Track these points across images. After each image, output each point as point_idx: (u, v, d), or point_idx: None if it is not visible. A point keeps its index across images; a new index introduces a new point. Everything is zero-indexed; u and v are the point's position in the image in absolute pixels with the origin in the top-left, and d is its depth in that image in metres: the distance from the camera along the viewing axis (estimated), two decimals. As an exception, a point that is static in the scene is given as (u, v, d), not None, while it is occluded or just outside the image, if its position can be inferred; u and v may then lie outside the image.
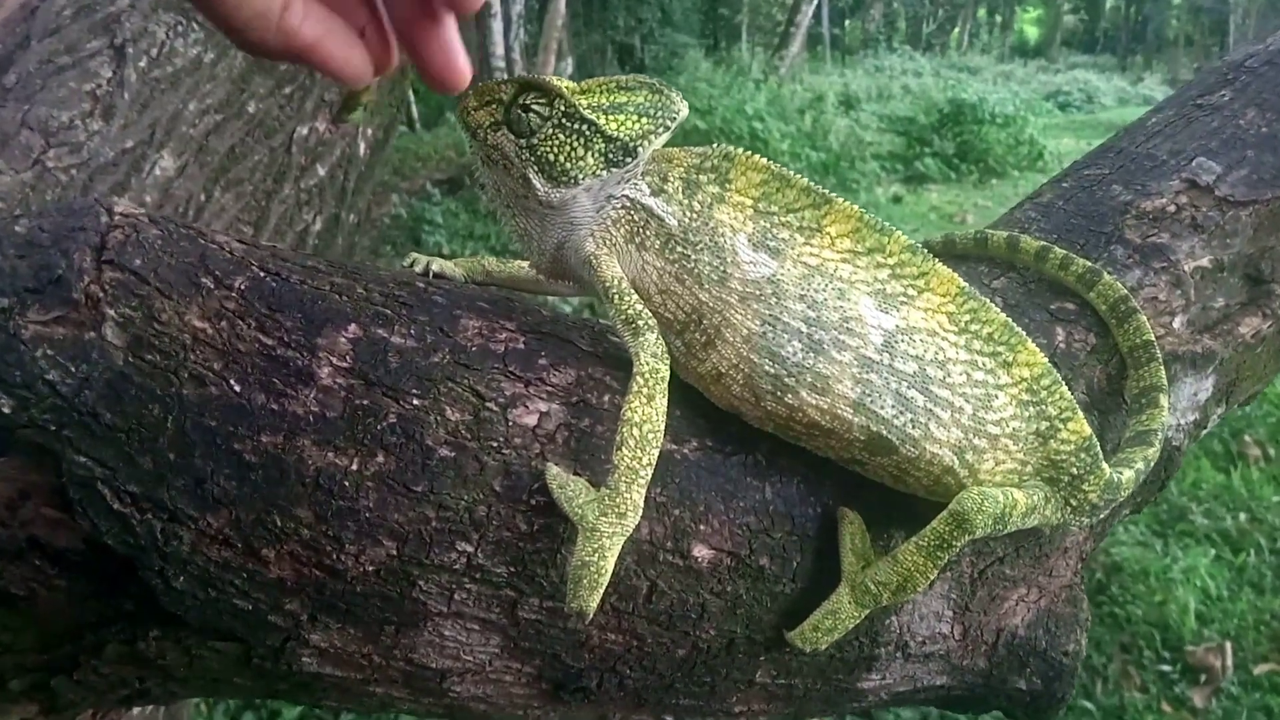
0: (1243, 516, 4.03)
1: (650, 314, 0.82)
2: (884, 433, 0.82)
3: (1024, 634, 0.99)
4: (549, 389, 0.84)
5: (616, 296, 0.82)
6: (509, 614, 0.81)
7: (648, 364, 0.78)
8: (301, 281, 0.83)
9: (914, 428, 0.82)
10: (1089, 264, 1.03)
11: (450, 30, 0.84)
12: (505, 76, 0.85)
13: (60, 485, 0.77)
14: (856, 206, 0.84)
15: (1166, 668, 3.32)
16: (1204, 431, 1.13)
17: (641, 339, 0.80)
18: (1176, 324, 1.07)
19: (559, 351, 0.87)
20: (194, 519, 0.77)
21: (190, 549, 0.77)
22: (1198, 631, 3.45)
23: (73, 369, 0.76)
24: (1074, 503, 0.87)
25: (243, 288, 0.81)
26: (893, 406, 0.82)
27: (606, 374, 0.86)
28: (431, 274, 0.97)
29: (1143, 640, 3.45)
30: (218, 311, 0.79)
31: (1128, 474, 0.90)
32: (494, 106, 0.83)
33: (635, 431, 0.76)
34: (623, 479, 0.75)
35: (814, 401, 0.81)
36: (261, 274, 0.83)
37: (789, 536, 0.86)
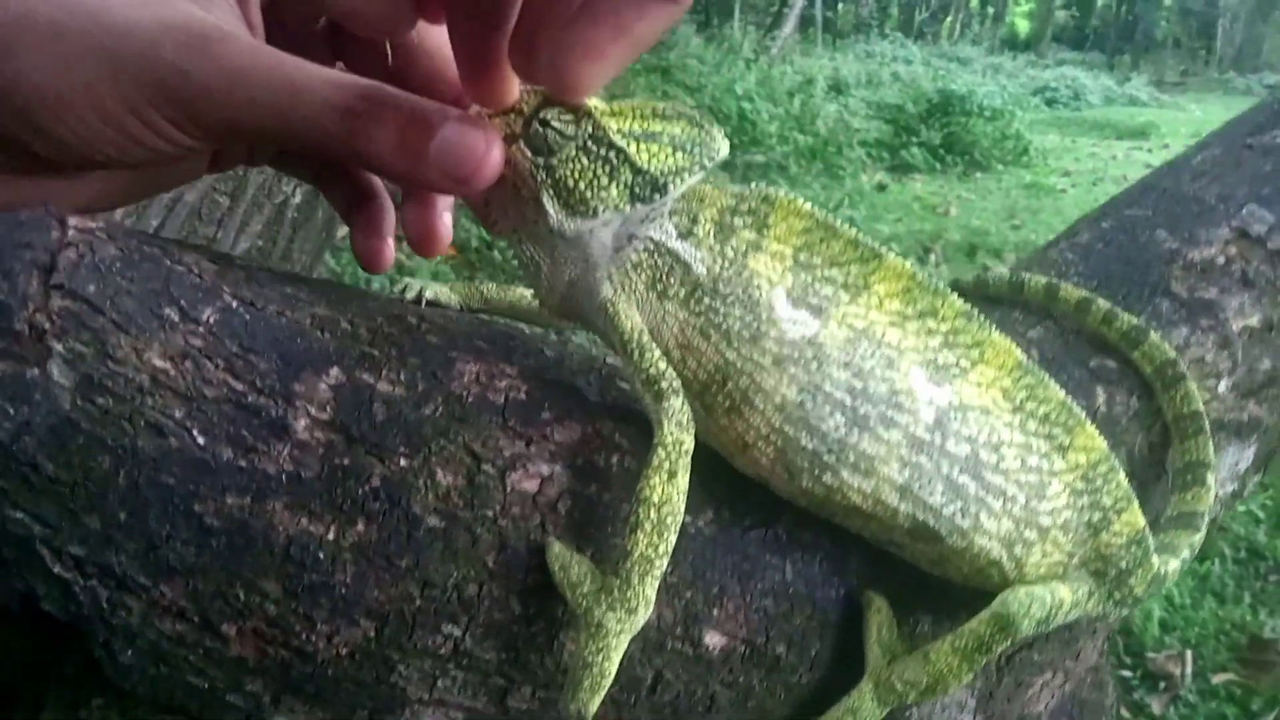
0: (1208, 525, 4.03)
1: (675, 374, 0.72)
2: (930, 522, 0.74)
3: (1047, 721, 0.92)
4: (552, 448, 0.75)
5: (637, 352, 0.72)
6: (498, 702, 0.73)
7: (670, 434, 0.69)
8: (279, 313, 0.74)
9: (963, 518, 0.74)
10: (1134, 321, 0.96)
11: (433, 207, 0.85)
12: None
13: (-8, 539, 0.68)
14: (907, 263, 0.76)
15: (1127, 673, 3.33)
16: (1238, 500, 1.07)
17: (665, 404, 0.70)
18: (1222, 388, 1.00)
19: (564, 402, 0.78)
20: (145, 588, 0.68)
21: (140, 620, 0.68)
22: (1160, 639, 3.45)
23: (11, 411, 0.66)
24: (1117, 596, 0.80)
25: (212, 321, 0.71)
26: (942, 494, 0.74)
27: (615, 430, 0.78)
28: (425, 301, 0.87)
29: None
30: (182, 350, 0.70)
31: (1174, 564, 0.83)
32: (512, 116, 0.73)
33: (653, 514, 0.67)
34: (635, 569, 0.66)
35: (856, 484, 0.73)
36: (234, 304, 0.73)
37: (809, 622, 0.78)
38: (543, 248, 0.76)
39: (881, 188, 8.99)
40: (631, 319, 0.74)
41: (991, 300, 1.05)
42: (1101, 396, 0.96)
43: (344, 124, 0.67)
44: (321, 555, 0.68)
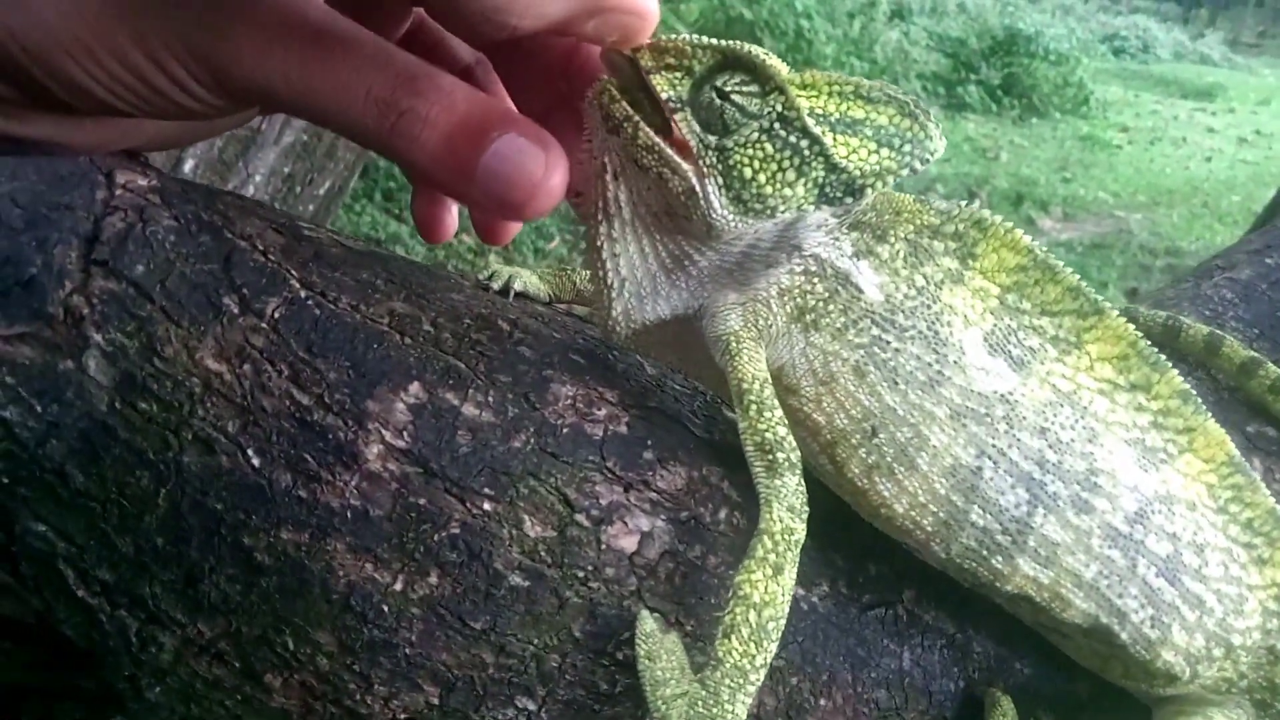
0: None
1: (794, 445, 0.59)
2: (1114, 627, 0.64)
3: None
4: (654, 496, 0.65)
5: (755, 408, 0.60)
6: (568, 782, 0.64)
7: (780, 521, 0.57)
8: (353, 307, 0.63)
9: (1153, 628, 0.64)
10: (1311, 393, 0.84)
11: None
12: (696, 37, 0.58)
13: (8, 546, 0.59)
14: (1131, 327, 0.64)
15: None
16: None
17: (778, 481, 0.58)
18: (1386, 471, 0.88)
19: (667, 439, 0.67)
20: (181, 624, 0.59)
21: (173, 659, 0.59)
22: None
23: (38, 408, 0.56)
24: None
25: (277, 316, 0.60)
26: (1135, 597, 0.64)
27: (724, 478, 0.67)
28: (512, 293, 0.76)
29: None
30: (240, 349, 0.59)
31: None
32: (679, 76, 0.57)
33: (752, 616, 0.55)
34: (726, 681, 0.55)
35: (1032, 573, 0.63)
36: (303, 293, 0.62)
37: (923, 717, 0.69)
38: (660, 254, 0.62)
39: (934, 125, 8.69)
40: (755, 366, 0.61)
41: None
42: (1258, 470, 0.85)
43: (382, 119, 0.54)
44: (386, 608, 0.59)
